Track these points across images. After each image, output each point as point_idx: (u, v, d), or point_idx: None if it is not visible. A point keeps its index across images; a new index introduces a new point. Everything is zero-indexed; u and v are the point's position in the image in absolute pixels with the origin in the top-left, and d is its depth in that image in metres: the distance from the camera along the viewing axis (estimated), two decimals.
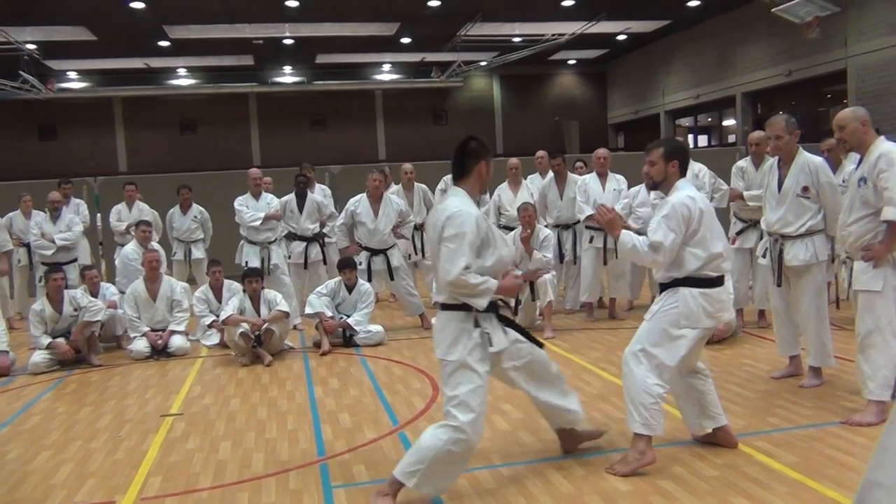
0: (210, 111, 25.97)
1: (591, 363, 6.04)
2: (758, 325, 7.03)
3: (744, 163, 7.00)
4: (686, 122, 26.19)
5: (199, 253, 9.28)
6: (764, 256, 5.33)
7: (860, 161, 4.42)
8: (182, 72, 25.72)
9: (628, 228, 4.29)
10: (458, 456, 3.43)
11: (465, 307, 3.49)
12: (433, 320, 7.76)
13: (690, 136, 25.59)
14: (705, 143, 25.19)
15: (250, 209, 8.28)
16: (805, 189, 4.92)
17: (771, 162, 5.27)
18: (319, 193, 9.59)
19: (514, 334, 3.68)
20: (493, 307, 3.57)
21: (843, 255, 4.81)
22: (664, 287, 3.85)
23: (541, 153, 9.10)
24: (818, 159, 5.04)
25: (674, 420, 4.46)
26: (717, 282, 3.79)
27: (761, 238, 6.66)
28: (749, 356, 6.03)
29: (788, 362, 5.42)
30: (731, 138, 23.12)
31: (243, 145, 26.33)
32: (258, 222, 8.18)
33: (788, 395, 4.92)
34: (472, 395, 3.41)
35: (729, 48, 21.79)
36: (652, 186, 3.99)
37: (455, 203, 3.54)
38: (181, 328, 7.39)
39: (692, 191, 3.84)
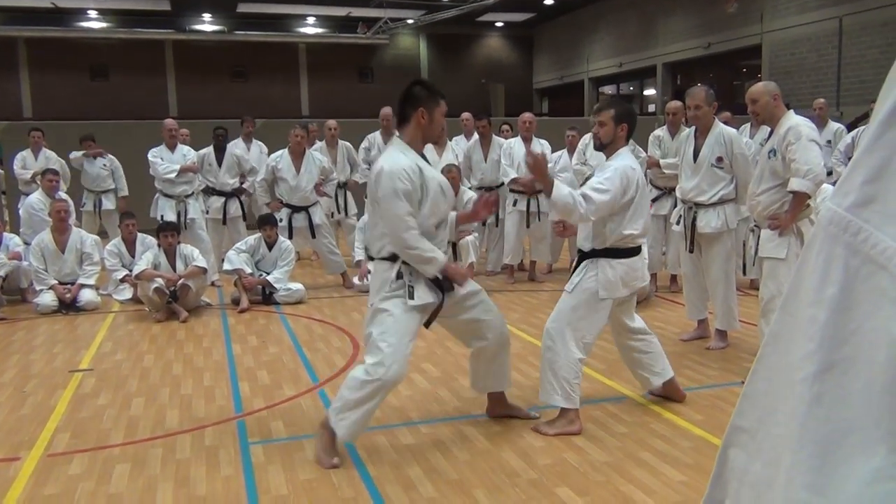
0: (123, 57, 24.84)
1: (511, 324, 6.12)
2: (669, 289, 7.29)
3: (660, 132, 7.18)
4: (609, 89, 26.61)
5: (109, 204, 8.90)
6: (678, 223, 5.51)
7: (770, 133, 4.62)
8: (93, 14, 24.44)
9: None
10: (365, 396, 3.40)
11: (391, 258, 3.48)
12: (354, 279, 7.72)
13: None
14: None
15: (165, 161, 7.98)
16: (719, 159, 5.09)
17: (688, 132, 5.43)
18: (256, 150, 9.34)
19: (462, 290, 3.61)
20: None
21: (751, 223, 5.03)
22: (583, 257, 3.90)
23: (466, 115, 9.09)
24: (733, 131, 5.23)
25: (588, 380, 4.61)
26: (635, 251, 3.89)
27: (675, 205, 6.90)
28: (660, 319, 6.26)
29: (697, 325, 5.65)
30: (651, 108, 23.66)
31: (159, 95, 25.35)
32: (173, 174, 7.88)
33: (696, 357, 5.14)
34: (381, 337, 3.40)
35: (652, 19, 22.18)
36: (599, 147, 4.01)
37: (384, 159, 3.50)
38: (91, 282, 7.13)
39: (634, 162, 3.91)
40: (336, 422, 3.44)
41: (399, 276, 3.47)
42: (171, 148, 8.03)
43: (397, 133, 3.66)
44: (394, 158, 3.49)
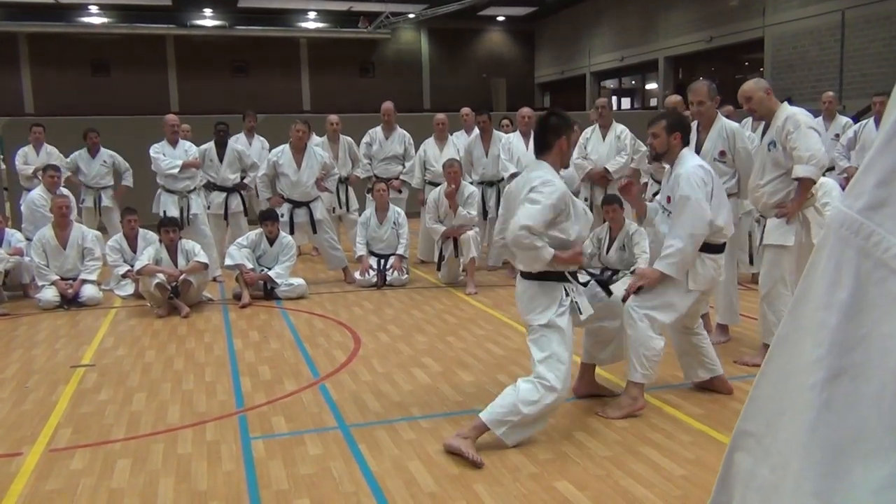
0: (124, 53, 24.82)
1: (512, 318, 6.15)
2: None
3: None
4: (611, 84, 26.58)
5: (109, 201, 8.87)
6: None
7: (765, 127, 4.65)
8: (94, 9, 24.42)
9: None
10: (546, 412, 3.56)
11: (555, 277, 3.59)
12: (356, 274, 7.70)
13: (614, 99, 26.02)
14: (628, 106, 25.65)
15: (167, 157, 7.98)
16: (722, 154, 5.08)
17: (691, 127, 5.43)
18: (258, 145, 9.33)
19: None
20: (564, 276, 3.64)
21: (756, 214, 5.05)
22: None
23: (465, 110, 9.08)
24: (735, 125, 5.22)
25: None
26: (723, 248, 4.02)
27: None
28: None
29: None
30: (653, 102, 23.62)
31: (160, 90, 25.33)
32: (175, 170, 7.87)
33: None
34: (563, 351, 3.54)
35: (654, 13, 22.12)
36: (655, 157, 4.12)
37: (543, 174, 3.59)
38: (93, 277, 7.14)
39: (697, 161, 4.00)
40: (507, 434, 3.51)
41: (566, 292, 3.61)
42: (173, 144, 8.02)
43: (535, 158, 3.75)
44: (554, 175, 3.61)
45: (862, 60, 15.55)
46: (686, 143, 4.05)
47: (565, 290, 3.61)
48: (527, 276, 3.66)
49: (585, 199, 7.43)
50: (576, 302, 3.61)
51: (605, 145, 7.57)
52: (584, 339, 4.22)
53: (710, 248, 3.92)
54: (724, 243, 4.03)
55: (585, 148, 7.65)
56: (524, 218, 3.46)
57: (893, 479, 0.58)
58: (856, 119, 9.77)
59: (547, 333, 3.57)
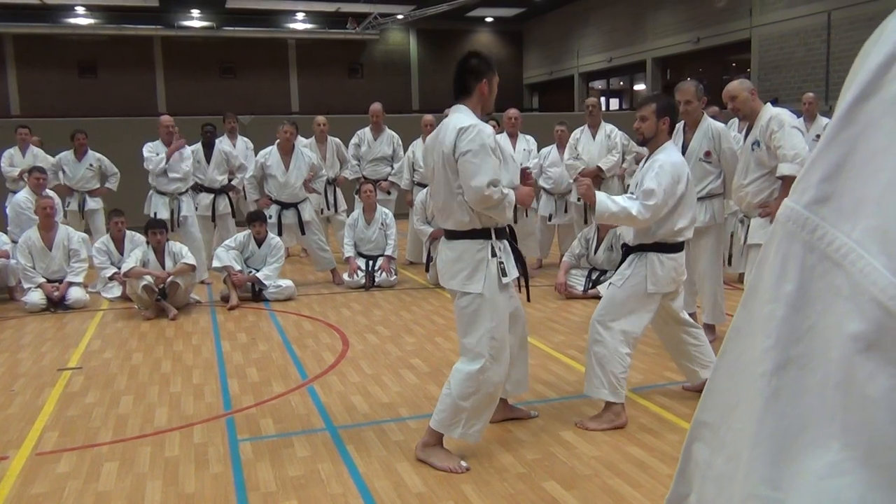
0: (112, 54, 24.69)
1: None
2: None
3: None
4: (599, 84, 26.65)
5: (94, 204, 8.79)
6: None
7: (748, 127, 4.68)
8: (80, 10, 24.28)
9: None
10: (494, 391, 3.36)
11: (481, 234, 3.35)
12: (344, 275, 7.69)
13: (603, 100, 26.10)
14: (617, 107, 25.74)
15: (160, 156, 7.88)
16: (707, 154, 5.11)
17: (677, 127, 5.45)
18: (242, 145, 9.30)
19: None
20: (505, 233, 3.45)
21: (739, 214, 5.08)
22: (629, 251, 3.88)
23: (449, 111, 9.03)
24: (721, 126, 5.26)
25: (576, 374, 4.63)
26: (681, 247, 3.88)
27: None
28: None
29: None
30: None
31: (147, 91, 25.22)
32: (163, 163, 7.71)
33: None
34: (497, 329, 3.32)
35: (642, 14, 22.21)
36: (641, 142, 3.98)
37: (463, 118, 3.33)
38: (79, 279, 7.11)
39: (679, 156, 3.89)
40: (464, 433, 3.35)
41: (493, 253, 3.34)
42: (167, 144, 7.94)
43: (454, 103, 3.47)
44: (475, 119, 3.35)
45: (848, 61, 15.62)
46: (672, 131, 3.94)
47: (492, 249, 3.34)
48: (451, 235, 3.41)
49: (578, 200, 7.43)
50: (502, 263, 3.33)
51: (596, 144, 7.60)
52: None
53: (669, 247, 3.80)
54: (683, 243, 3.89)
55: (576, 148, 7.67)
56: (484, 175, 3.19)
57: (836, 466, 0.59)
58: None
59: (476, 304, 3.31)
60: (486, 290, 3.30)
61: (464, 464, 3.34)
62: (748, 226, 4.65)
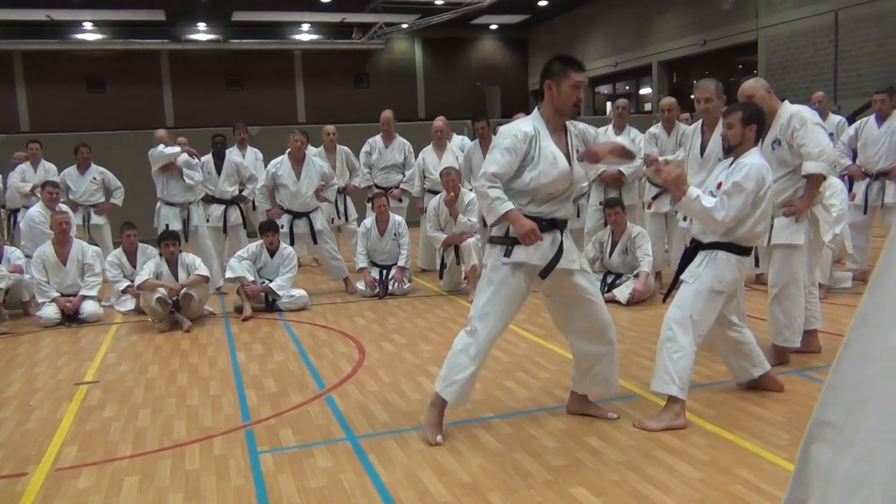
0: (119, 68, 24.82)
1: (515, 325, 6.09)
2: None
3: (655, 129, 7.16)
4: (605, 89, 26.63)
5: (99, 219, 8.76)
6: (685, 219, 5.47)
7: (767, 126, 4.62)
8: (88, 26, 24.43)
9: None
10: (462, 362, 3.66)
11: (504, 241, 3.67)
12: (358, 284, 7.64)
13: (609, 104, 26.03)
14: None
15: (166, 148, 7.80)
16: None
17: (695, 126, 5.40)
18: (251, 156, 9.31)
19: (566, 264, 3.69)
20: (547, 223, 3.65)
21: None
22: (699, 247, 3.88)
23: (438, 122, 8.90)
24: None
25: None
26: (751, 251, 3.93)
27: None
28: None
29: None
30: (648, 106, 23.64)
31: (155, 105, 25.33)
32: (175, 151, 7.65)
33: (705, 353, 5.06)
34: (491, 301, 3.66)
35: (647, 17, 22.17)
36: (728, 149, 3.98)
37: (517, 122, 3.69)
38: (93, 293, 7.09)
39: (765, 161, 3.91)
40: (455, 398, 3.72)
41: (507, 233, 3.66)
42: None
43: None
44: (521, 122, 3.69)
45: (856, 60, 15.58)
46: (759, 138, 3.94)
47: (508, 230, 3.65)
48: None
49: (600, 203, 7.36)
50: (509, 244, 3.63)
51: None
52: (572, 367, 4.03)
53: (739, 249, 3.82)
54: (752, 248, 3.93)
55: None
56: (488, 166, 3.58)
57: None
58: (850, 118, 9.76)
59: (487, 280, 3.70)
60: (490, 264, 3.72)
61: (439, 438, 3.68)
62: (772, 226, 4.57)
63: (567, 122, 3.77)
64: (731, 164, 3.92)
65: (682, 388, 3.74)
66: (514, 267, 3.64)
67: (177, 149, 7.76)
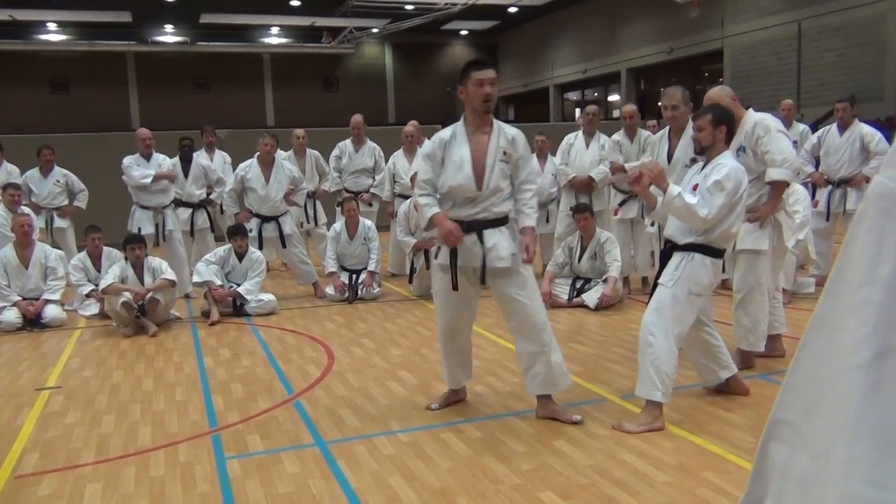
0: (84, 70, 24.45)
1: (485, 329, 6.12)
2: (642, 291, 7.31)
3: (619, 136, 7.24)
4: (574, 96, 26.84)
5: (62, 223, 8.56)
6: (652, 225, 5.53)
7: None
8: (52, 27, 24.03)
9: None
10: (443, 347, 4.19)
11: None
12: (327, 289, 7.61)
13: (578, 111, 26.24)
14: None
15: (141, 167, 7.76)
16: (693, 161, 5.11)
17: (661, 133, 5.46)
18: (219, 159, 9.21)
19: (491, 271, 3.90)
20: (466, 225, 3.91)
21: None
22: (674, 249, 3.91)
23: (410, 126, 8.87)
24: None
25: None
26: (723, 254, 3.97)
27: (643, 210, 6.95)
28: (635, 321, 6.25)
29: None
30: (616, 113, 23.86)
31: (121, 107, 24.99)
32: (148, 180, 7.63)
33: None
34: (436, 295, 4.10)
35: (615, 25, 22.41)
36: (699, 151, 4.02)
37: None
38: (56, 297, 6.96)
39: (739, 164, 3.95)
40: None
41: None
42: (147, 157, 7.82)
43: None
44: (443, 131, 3.96)
45: (818, 69, 15.90)
46: (730, 140, 3.99)
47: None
48: None
49: (570, 209, 7.40)
50: (438, 247, 3.96)
51: (589, 153, 7.56)
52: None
53: (714, 252, 3.86)
54: (724, 250, 3.98)
55: (569, 154, 7.65)
56: (418, 172, 3.98)
57: None
58: (813, 127, 9.95)
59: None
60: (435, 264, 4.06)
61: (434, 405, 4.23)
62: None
63: (501, 127, 3.94)
64: (704, 166, 3.97)
65: (665, 393, 3.79)
66: (441, 267, 3.97)
67: (149, 178, 7.62)
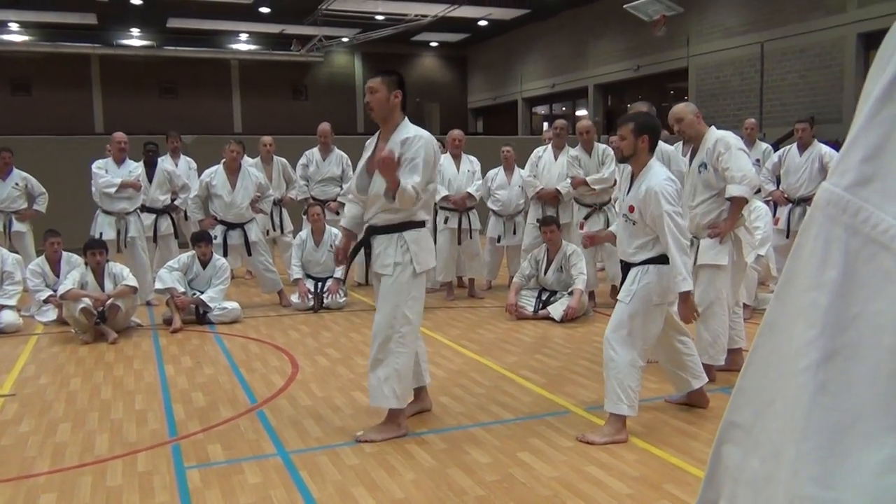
0: (47, 72, 23.99)
1: (452, 340, 6.12)
2: (611, 297, 7.37)
3: (576, 151, 7.31)
4: (542, 110, 27.04)
5: (21, 226, 8.34)
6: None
7: (693, 150, 4.77)
8: (14, 27, 23.56)
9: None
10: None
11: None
12: (292, 297, 7.55)
13: (546, 125, 26.44)
14: None
15: (109, 173, 7.63)
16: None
17: (677, 146, 5.52)
18: (184, 165, 9.09)
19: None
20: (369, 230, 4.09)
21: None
22: (630, 266, 3.93)
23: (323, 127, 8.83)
24: (670, 148, 5.37)
25: (530, 394, 4.61)
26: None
27: (608, 222, 7.02)
28: (600, 333, 6.25)
29: None
30: None
31: (84, 110, 24.55)
32: (112, 189, 7.50)
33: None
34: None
35: (583, 41, 22.67)
36: (621, 160, 4.01)
37: None
38: (11, 302, 6.80)
39: (667, 172, 3.94)
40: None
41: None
42: (119, 162, 7.68)
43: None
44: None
45: (780, 90, 16.24)
46: (653, 149, 3.95)
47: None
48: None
49: (537, 220, 7.43)
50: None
51: (557, 166, 7.60)
52: None
53: (665, 259, 3.87)
54: None
55: (537, 166, 7.70)
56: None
57: (893, 461, 0.56)
58: (775, 146, 10.15)
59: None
60: None
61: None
62: (697, 246, 4.71)
63: (402, 130, 3.97)
64: (631, 186, 3.96)
65: (632, 406, 3.82)
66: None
67: (114, 188, 7.49)
